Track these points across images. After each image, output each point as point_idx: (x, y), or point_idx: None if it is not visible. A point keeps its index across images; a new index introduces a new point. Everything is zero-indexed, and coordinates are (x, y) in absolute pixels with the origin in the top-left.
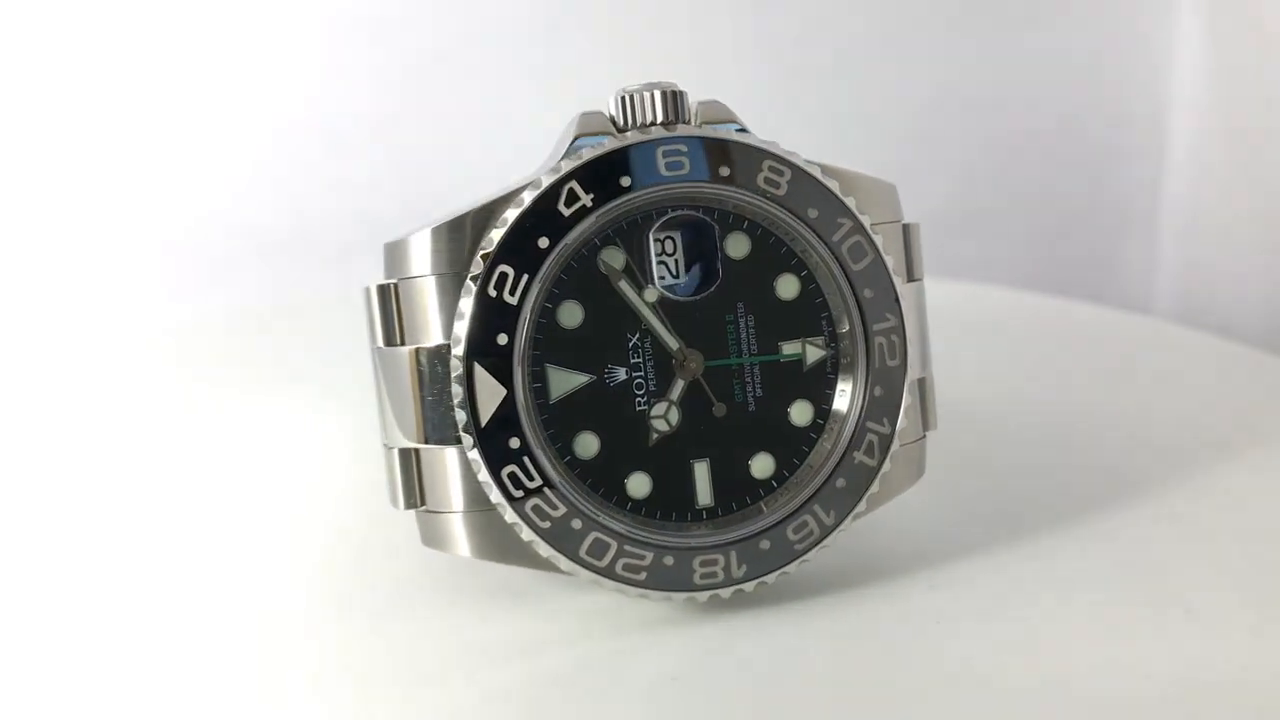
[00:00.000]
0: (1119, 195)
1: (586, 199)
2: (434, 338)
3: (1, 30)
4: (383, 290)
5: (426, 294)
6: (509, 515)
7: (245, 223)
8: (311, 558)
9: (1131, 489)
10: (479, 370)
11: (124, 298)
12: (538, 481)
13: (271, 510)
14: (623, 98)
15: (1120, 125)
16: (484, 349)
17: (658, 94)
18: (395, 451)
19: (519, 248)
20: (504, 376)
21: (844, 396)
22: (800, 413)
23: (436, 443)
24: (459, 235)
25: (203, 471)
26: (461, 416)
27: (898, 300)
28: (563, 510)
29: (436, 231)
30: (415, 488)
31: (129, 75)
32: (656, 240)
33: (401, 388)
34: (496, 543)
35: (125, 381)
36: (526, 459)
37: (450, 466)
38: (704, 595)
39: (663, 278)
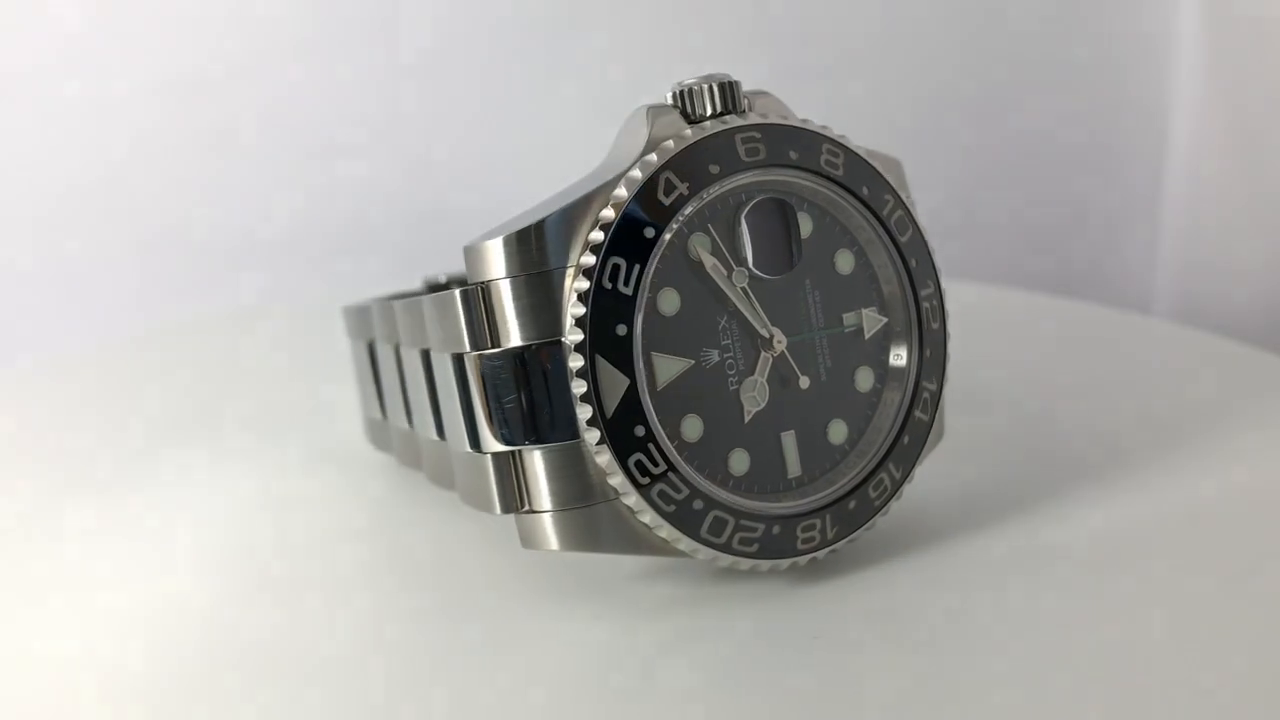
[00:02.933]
0: (1119, 195)
1: (683, 187)
2: (512, 339)
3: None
4: (466, 295)
5: (504, 297)
6: (633, 501)
7: (244, 223)
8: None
9: (1132, 475)
10: (601, 362)
11: (122, 298)
12: (662, 467)
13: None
14: (681, 91)
15: (1120, 125)
16: (606, 341)
17: (716, 86)
18: (489, 457)
19: (628, 239)
20: (625, 366)
21: (900, 359)
22: (864, 379)
23: (504, 443)
24: (529, 238)
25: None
26: (586, 410)
27: (935, 268)
28: (686, 492)
29: (508, 238)
30: (514, 491)
31: (121, 73)
32: (746, 223)
33: (477, 392)
34: (588, 534)
35: (128, 382)
36: (651, 445)
37: (537, 467)
38: (805, 559)
39: (755, 260)
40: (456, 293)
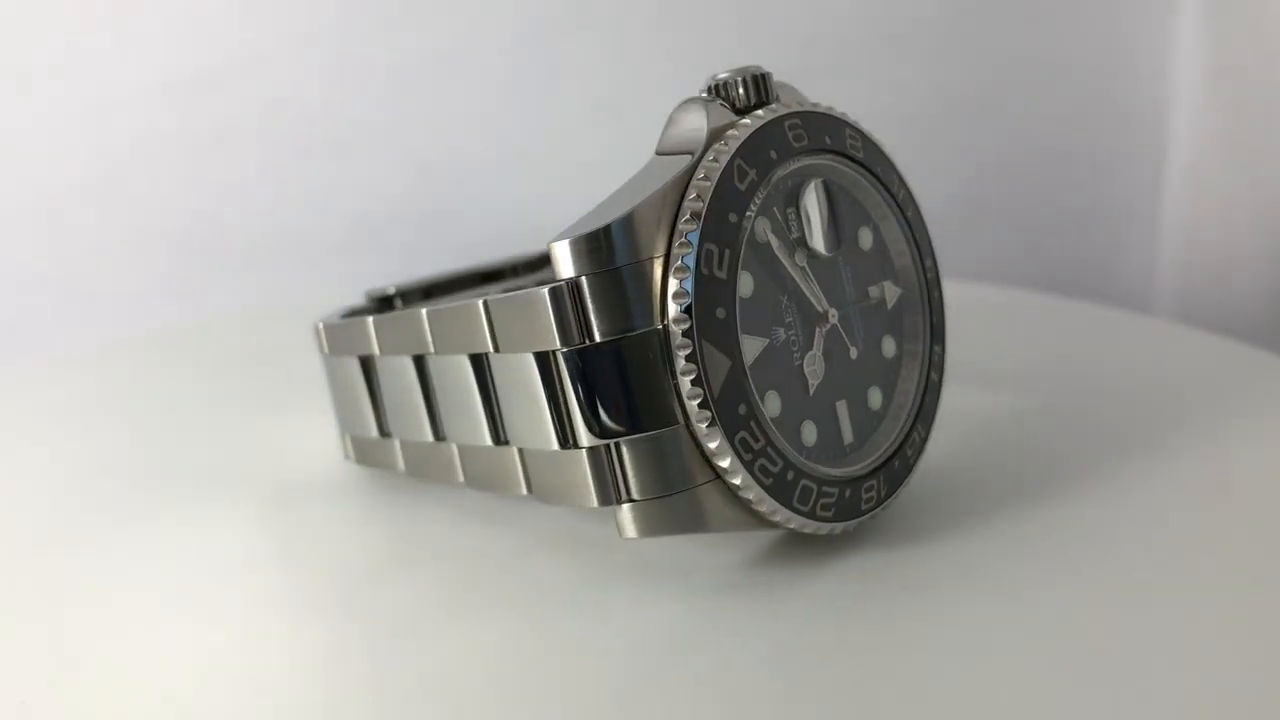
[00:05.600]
0: (1119, 195)
1: (753, 174)
2: (600, 333)
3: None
4: (556, 292)
5: (590, 292)
6: (740, 479)
7: (244, 223)
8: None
9: (1132, 471)
10: (707, 346)
11: (122, 298)
12: (762, 441)
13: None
14: (718, 84)
15: (1120, 125)
16: (709, 325)
17: (754, 77)
18: (584, 452)
19: (719, 225)
20: (727, 349)
21: (915, 326)
22: (888, 346)
23: (600, 436)
24: (606, 235)
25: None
26: (698, 394)
27: (930, 241)
28: (780, 464)
29: (587, 234)
30: (611, 483)
31: (117, 71)
32: (804, 205)
33: (570, 387)
34: (682, 517)
35: (128, 384)
36: (752, 423)
37: (631, 457)
38: (866, 518)
39: (813, 239)
40: (545, 290)
